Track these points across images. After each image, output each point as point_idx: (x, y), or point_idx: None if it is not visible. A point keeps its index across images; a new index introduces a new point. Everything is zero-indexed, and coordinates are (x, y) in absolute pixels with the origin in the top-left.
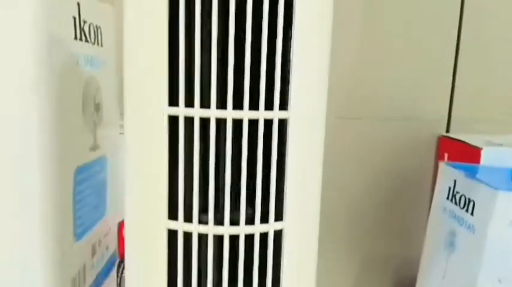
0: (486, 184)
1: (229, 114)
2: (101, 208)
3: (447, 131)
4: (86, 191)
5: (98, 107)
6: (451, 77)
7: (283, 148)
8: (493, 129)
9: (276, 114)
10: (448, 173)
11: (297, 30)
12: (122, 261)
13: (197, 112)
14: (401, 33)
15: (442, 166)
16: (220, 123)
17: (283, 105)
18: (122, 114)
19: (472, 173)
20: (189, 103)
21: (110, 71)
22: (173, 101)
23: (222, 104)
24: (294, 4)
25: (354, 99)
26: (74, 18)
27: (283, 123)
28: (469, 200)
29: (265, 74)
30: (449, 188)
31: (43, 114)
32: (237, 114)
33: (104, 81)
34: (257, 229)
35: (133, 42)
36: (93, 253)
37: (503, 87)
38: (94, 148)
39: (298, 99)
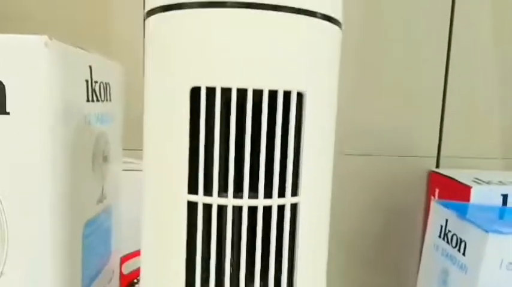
0: (477, 225)
1: (246, 202)
2: (106, 254)
3: (437, 166)
4: (93, 243)
5: (105, 159)
6: (439, 115)
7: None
8: (481, 165)
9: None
10: (439, 212)
11: (306, 132)
12: None
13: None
14: (392, 73)
15: (434, 204)
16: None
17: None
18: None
19: (462, 212)
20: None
21: (118, 124)
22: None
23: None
24: (303, 110)
25: (345, 136)
26: (87, 81)
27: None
28: (461, 240)
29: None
30: (441, 227)
31: (55, 173)
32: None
33: (112, 134)
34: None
35: (156, 134)
36: None
37: (490, 124)
38: (101, 199)
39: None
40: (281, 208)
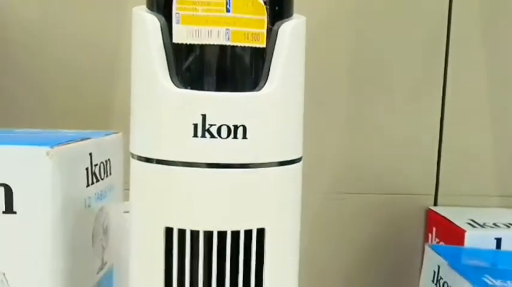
0: (467, 278)
1: None
2: None
3: (435, 203)
4: None
5: (106, 231)
6: (436, 153)
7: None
8: (478, 202)
9: None
10: (432, 258)
11: (267, 261)
12: None
13: None
14: (390, 111)
15: (427, 249)
16: None
17: None
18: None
19: (455, 258)
20: None
21: (118, 190)
22: None
23: None
24: (265, 243)
25: (343, 175)
26: (87, 169)
27: None
28: None
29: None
30: (434, 272)
31: (56, 256)
32: None
33: (111, 202)
34: None
35: (137, 264)
36: None
37: (486, 162)
38: (102, 267)
39: None
40: None
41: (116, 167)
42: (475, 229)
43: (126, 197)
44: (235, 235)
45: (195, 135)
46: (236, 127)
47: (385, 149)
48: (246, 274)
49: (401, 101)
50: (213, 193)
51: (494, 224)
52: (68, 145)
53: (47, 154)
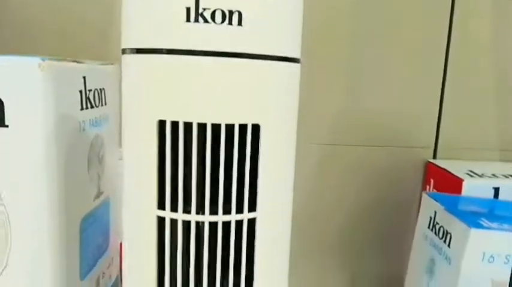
0: (461, 219)
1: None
2: (105, 244)
3: (434, 156)
4: (91, 235)
5: (101, 160)
6: (438, 105)
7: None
8: (479, 155)
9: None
10: (429, 204)
11: (262, 158)
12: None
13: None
14: (389, 61)
15: (424, 196)
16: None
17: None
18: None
19: (452, 204)
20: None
21: (113, 123)
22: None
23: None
24: (260, 140)
25: (343, 126)
26: (80, 92)
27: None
28: (447, 232)
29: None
30: (430, 218)
31: (51, 178)
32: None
33: (107, 134)
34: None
35: (131, 160)
36: (97, 285)
37: (487, 115)
38: (98, 195)
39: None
40: (240, 223)
41: (111, 99)
42: (473, 178)
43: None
44: (230, 129)
45: (188, 19)
46: (231, 12)
47: (385, 100)
48: (240, 168)
49: (403, 52)
50: (207, 83)
51: (493, 174)
52: (61, 62)
53: (39, 66)
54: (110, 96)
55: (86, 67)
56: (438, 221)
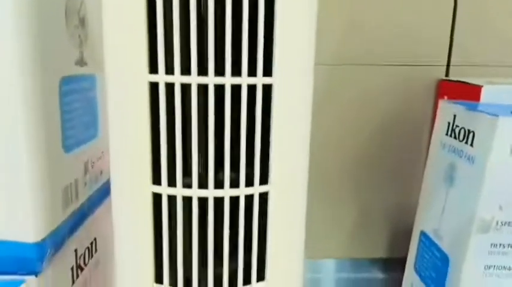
0: (487, 113)
1: (211, 80)
2: (93, 128)
3: (447, 75)
4: (74, 105)
5: (82, 22)
6: (450, 21)
7: (268, 112)
8: (493, 73)
9: (259, 81)
10: (447, 110)
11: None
12: None
13: (178, 79)
14: None
15: (442, 103)
16: (203, 89)
17: (267, 72)
18: None
19: (473, 107)
20: (170, 70)
21: None
22: (154, 68)
23: (203, 71)
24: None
25: (352, 45)
26: None
27: (267, 89)
28: (469, 131)
29: (247, 39)
30: (449, 123)
31: (22, 23)
32: (219, 80)
33: None
34: (242, 191)
35: (113, 13)
36: (86, 170)
37: (502, 30)
38: (81, 63)
39: (283, 64)
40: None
41: None
42: (492, 85)
43: None
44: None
45: None
46: None
47: (396, 16)
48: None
49: None
50: None
51: None
52: None
53: None
54: None
55: None
56: (458, 124)
